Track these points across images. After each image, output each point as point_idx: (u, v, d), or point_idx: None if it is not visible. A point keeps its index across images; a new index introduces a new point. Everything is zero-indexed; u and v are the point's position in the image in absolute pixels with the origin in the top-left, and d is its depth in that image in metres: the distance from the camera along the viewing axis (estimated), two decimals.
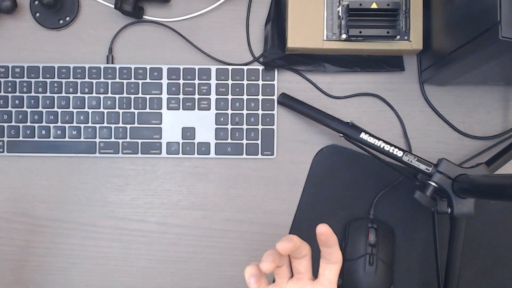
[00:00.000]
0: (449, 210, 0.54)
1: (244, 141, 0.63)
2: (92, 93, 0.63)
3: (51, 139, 0.63)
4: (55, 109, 0.63)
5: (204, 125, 0.63)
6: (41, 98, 0.63)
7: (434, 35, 0.59)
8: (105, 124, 0.63)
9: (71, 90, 0.63)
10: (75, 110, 0.63)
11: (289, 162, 0.64)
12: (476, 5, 0.48)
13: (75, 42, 0.64)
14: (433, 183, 0.55)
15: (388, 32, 0.58)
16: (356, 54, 0.63)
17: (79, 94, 0.63)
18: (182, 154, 0.63)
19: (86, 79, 0.63)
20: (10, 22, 0.64)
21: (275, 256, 0.43)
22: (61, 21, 0.64)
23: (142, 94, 0.63)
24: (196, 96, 0.63)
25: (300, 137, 0.64)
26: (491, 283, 0.63)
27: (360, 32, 0.58)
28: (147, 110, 0.63)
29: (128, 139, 0.63)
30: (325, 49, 0.60)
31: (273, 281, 0.48)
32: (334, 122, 0.60)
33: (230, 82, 0.63)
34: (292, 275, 0.47)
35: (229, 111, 0.63)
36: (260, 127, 0.63)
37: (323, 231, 0.43)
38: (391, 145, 0.57)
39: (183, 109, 0.63)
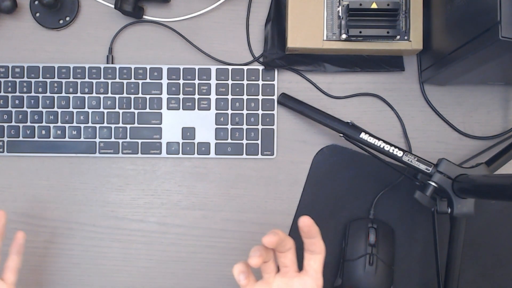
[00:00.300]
0: (449, 210, 0.54)
1: (244, 141, 0.63)
2: (92, 93, 0.63)
3: (51, 139, 0.63)
4: (55, 109, 0.63)
5: (204, 125, 0.63)
6: (41, 98, 0.63)
7: (434, 35, 0.59)
8: (105, 124, 0.63)
9: (71, 90, 0.63)
10: (75, 110, 0.63)
11: (289, 162, 0.64)
12: (476, 5, 0.48)
13: (75, 42, 0.64)
14: (433, 183, 0.55)
15: (388, 32, 0.58)
16: (356, 54, 0.63)
17: (79, 94, 0.63)
18: (182, 154, 0.63)
19: (86, 79, 0.63)
20: (10, 22, 0.64)
21: (262, 251, 0.44)
22: (61, 21, 0.64)
23: (142, 94, 0.63)
24: (196, 96, 0.63)
25: (300, 137, 0.64)
26: (491, 283, 0.63)
27: (360, 32, 0.58)
28: (147, 110, 0.63)
29: (128, 139, 0.63)
30: (325, 49, 0.60)
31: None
32: (334, 122, 0.60)
33: (230, 82, 0.63)
34: (278, 270, 0.48)
35: (229, 111, 0.63)
36: (260, 127, 0.63)
37: (305, 223, 0.45)
38: (391, 145, 0.57)
39: (183, 109, 0.63)
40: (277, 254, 0.47)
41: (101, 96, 0.63)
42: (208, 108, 0.63)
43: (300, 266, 0.49)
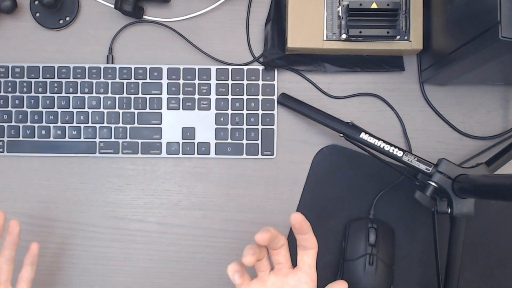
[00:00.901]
0: (449, 210, 0.54)
1: (244, 141, 0.63)
2: (92, 93, 0.63)
3: (51, 139, 0.63)
4: (55, 109, 0.63)
5: (204, 125, 0.63)
6: (41, 98, 0.63)
7: (434, 35, 0.59)
8: (105, 124, 0.63)
9: (71, 90, 0.63)
10: (75, 110, 0.63)
11: (289, 162, 0.64)
12: (476, 5, 0.48)
13: (75, 42, 0.64)
14: (433, 183, 0.55)
15: (388, 32, 0.58)
16: (356, 54, 0.63)
17: (79, 94, 0.63)
18: (182, 154, 0.63)
19: (86, 79, 0.63)
20: (10, 22, 0.64)
21: (255, 249, 0.44)
22: (61, 21, 0.64)
23: (142, 94, 0.63)
24: (196, 96, 0.63)
25: (300, 137, 0.64)
26: (491, 283, 0.63)
27: (360, 32, 0.58)
28: (147, 110, 0.63)
29: (128, 139, 0.63)
30: (325, 49, 0.60)
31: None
32: (334, 122, 0.60)
33: (230, 82, 0.63)
34: (272, 268, 0.49)
35: (229, 111, 0.63)
36: (260, 127, 0.63)
37: (297, 219, 0.45)
38: (391, 145, 0.57)
39: (183, 109, 0.63)
40: (270, 252, 0.48)
41: (101, 96, 0.63)
42: (208, 108, 0.63)
43: (294, 263, 0.49)
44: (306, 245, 0.47)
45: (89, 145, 0.63)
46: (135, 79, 0.63)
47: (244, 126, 0.63)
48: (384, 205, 0.63)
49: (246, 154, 0.63)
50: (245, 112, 0.63)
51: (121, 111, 0.63)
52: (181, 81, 0.63)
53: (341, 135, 0.59)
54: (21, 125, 0.63)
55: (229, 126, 0.63)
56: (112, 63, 0.64)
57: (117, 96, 0.63)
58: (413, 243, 0.63)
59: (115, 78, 0.63)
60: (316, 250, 0.48)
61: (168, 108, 0.63)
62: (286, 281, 0.48)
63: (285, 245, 0.47)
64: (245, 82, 0.63)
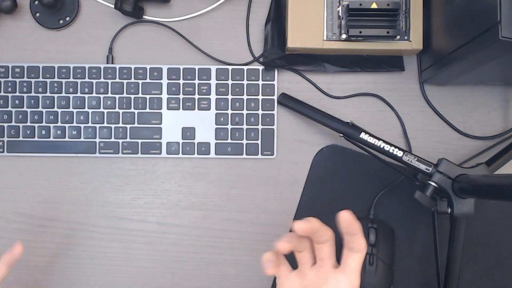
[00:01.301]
0: (449, 210, 0.54)
1: (244, 141, 0.63)
2: (92, 93, 0.63)
3: (51, 139, 0.63)
4: (55, 109, 0.63)
5: (204, 125, 0.63)
6: (41, 98, 0.63)
7: (434, 35, 0.59)
8: (105, 124, 0.63)
9: (71, 90, 0.63)
10: (75, 110, 0.63)
11: (289, 162, 0.64)
12: (476, 5, 0.48)
13: (75, 42, 0.64)
14: (433, 183, 0.55)
15: (388, 32, 0.58)
16: (356, 54, 0.63)
17: (79, 94, 0.63)
18: (182, 154, 0.63)
19: (86, 79, 0.63)
20: (10, 22, 0.64)
21: (293, 238, 0.42)
22: (61, 21, 0.64)
23: (142, 94, 0.63)
24: (196, 96, 0.63)
25: (300, 137, 0.64)
26: (491, 283, 0.63)
27: (360, 32, 0.58)
28: (147, 110, 0.63)
29: (128, 139, 0.63)
30: (325, 49, 0.60)
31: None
32: (334, 122, 0.60)
33: (230, 82, 0.63)
34: (315, 262, 0.46)
35: (229, 111, 0.63)
36: (260, 127, 0.63)
37: (345, 217, 0.42)
38: (391, 145, 0.57)
39: (183, 109, 0.63)
40: (314, 245, 0.45)
41: (101, 96, 0.63)
42: (208, 108, 0.63)
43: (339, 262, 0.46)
44: (353, 247, 0.44)
45: (89, 145, 0.63)
46: (135, 79, 0.63)
47: (244, 126, 0.63)
48: (384, 205, 0.63)
49: (246, 154, 0.63)
50: (245, 112, 0.63)
51: (121, 111, 0.63)
52: (181, 81, 0.63)
53: (341, 135, 0.59)
54: (21, 125, 0.63)
55: (229, 126, 0.63)
56: (112, 63, 0.64)
57: (117, 96, 0.63)
58: (413, 243, 0.63)
59: (115, 78, 0.63)
60: (363, 254, 0.44)
61: (168, 108, 0.63)
62: (326, 279, 0.45)
63: (329, 241, 0.44)
64: (245, 82, 0.63)
